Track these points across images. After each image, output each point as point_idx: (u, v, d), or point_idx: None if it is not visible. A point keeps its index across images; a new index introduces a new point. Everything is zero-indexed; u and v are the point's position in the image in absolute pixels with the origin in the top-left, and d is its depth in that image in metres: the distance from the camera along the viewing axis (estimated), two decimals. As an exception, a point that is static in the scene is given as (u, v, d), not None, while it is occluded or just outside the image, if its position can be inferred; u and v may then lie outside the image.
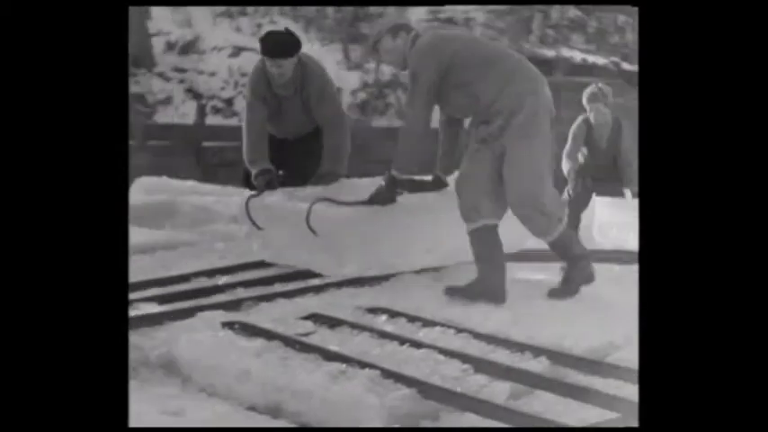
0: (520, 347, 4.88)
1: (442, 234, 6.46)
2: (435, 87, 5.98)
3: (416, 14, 26.71)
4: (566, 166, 9.30)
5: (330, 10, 26.01)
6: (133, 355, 4.80)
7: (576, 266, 6.07)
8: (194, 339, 4.88)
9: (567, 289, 6.05)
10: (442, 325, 5.24)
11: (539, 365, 4.66)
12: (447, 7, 27.32)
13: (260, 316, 5.40)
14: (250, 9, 25.63)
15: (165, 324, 5.27)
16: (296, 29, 25.05)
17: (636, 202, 9.09)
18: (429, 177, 6.75)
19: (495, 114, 5.90)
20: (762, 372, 2.98)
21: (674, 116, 3.22)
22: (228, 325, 5.12)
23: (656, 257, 3.17)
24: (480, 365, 4.57)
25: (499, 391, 4.31)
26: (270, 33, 7.15)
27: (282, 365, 4.49)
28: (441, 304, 5.73)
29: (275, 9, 25.85)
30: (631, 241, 7.99)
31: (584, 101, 9.19)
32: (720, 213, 3.12)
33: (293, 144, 7.49)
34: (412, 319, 5.41)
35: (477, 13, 27.48)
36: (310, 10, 25.95)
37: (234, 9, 25.40)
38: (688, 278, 3.12)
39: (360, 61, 24.61)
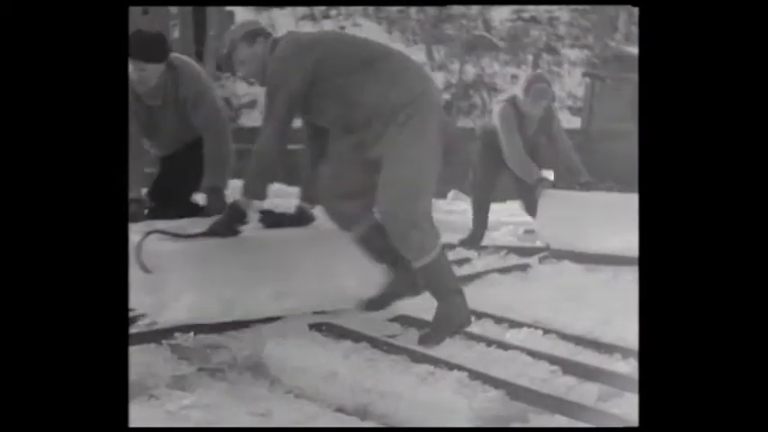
0: (609, 349, 4.84)
1: (299, 276, 5.57)
2: (299, 98, 5.20)
3: (501, 14, 26.71)
4: (522, 165, 8.37)
5: (413, 11, 26.06)
6: (221, 357, 4.85)
7: (450, 303, 5.06)
8: (282, 342, 4.90)
9: (437, 334, 4.99)
10: (530, 326, 5.22)
11: (628, 367, 4.61)
12: (530, 6, 27.25)
13: (347, 318, 5.40)
14: (333, 11, 25.76)
15: (252, 326, 5.30)
16: (379, 30, 25.20)
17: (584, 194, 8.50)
18: (291, 209, 5.94)
19: (373, 119, 5.09)
20: (763, 372, 2.95)
21: (674, 115, 3.20)
22: (316, 327, 5.14)
23: (657, 258, 3.14)
24: (569, 367, 4.54)
25: (588, 392, 4.28)
26: (137, 32, 6.19)
27: (370, 367, 4.49)
28: (528, 305, 5.70)
29: (358, 10, 25.97)
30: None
31: (528, 93, 8.27)
32: (721, 213, 3.09)
33: (170, 159, 6.83)
34: (499, 320, 5.39)
35: (562, 12, 27.37)
36: (393, 11, 26.02)
37: (317, 12, 25.57)
38: (688, 278, 3.08)
39: (444, 62, 24.62)
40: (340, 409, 4.34)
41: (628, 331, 4.97)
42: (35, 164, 3.16)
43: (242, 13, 24.30)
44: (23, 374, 3.04)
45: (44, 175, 3.17)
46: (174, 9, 19.01)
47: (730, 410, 2.94)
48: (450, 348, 4.80)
